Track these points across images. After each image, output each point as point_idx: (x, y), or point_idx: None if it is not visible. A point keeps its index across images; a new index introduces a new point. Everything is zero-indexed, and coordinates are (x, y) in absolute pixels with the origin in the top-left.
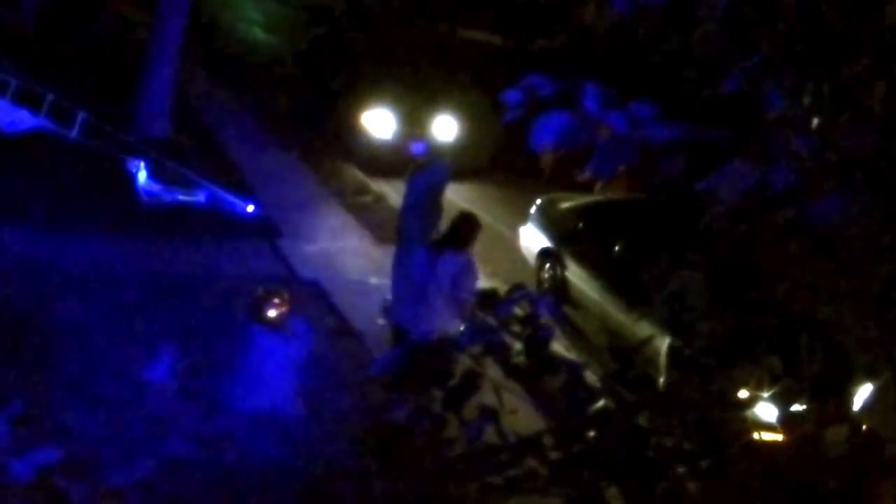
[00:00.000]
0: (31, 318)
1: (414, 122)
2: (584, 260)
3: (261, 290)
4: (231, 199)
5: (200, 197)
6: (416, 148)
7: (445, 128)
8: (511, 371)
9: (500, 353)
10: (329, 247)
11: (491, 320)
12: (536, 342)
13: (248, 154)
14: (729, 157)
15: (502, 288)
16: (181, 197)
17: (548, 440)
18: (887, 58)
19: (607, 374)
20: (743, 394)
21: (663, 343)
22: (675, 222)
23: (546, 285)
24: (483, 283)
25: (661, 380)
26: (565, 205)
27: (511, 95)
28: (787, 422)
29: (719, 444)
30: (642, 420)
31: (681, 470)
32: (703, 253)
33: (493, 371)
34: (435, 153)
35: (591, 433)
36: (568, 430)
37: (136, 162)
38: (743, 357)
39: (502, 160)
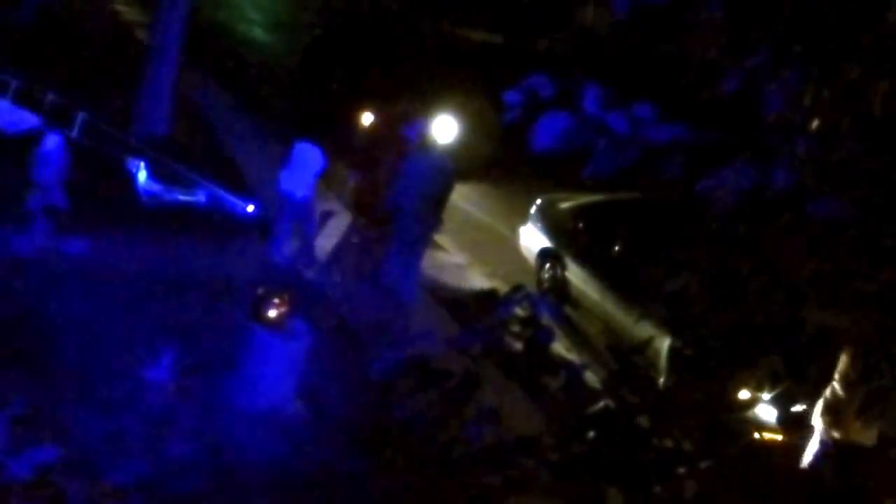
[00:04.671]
0: (31, 318)
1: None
2: (584, 260)
3: (261, 290)
4: (231, 199)
5: (200, 197)
6: (409, 132)
7: (445, 128)
8: (511, 372)
9: (500, 353)
10: (329, 246)
11: (491, 321)
12: (536, 343)
13: (248, 154)
14: (729, 158)
15: (502, 288)
16: (181, 197)
17: (548, 440)
18: (887, 59)
19: (608, 375)
20: (744, 394)
21: (664, 344)
22: (674, 222)
23: (546, 285)
24: (483, 283)
25: (662, 381)
26: (565, 205)
27: (511, 96)
28: (787, 422)
29: (719, 445)
30: (642, 421)
31: (681, 470)
32: (703, 253)
33: (493, 372)
34: (430, 139)
35: (591, 434)
36: (568, 430)
37: (136, 162)
38: (744, 358)
39: (502, 160)
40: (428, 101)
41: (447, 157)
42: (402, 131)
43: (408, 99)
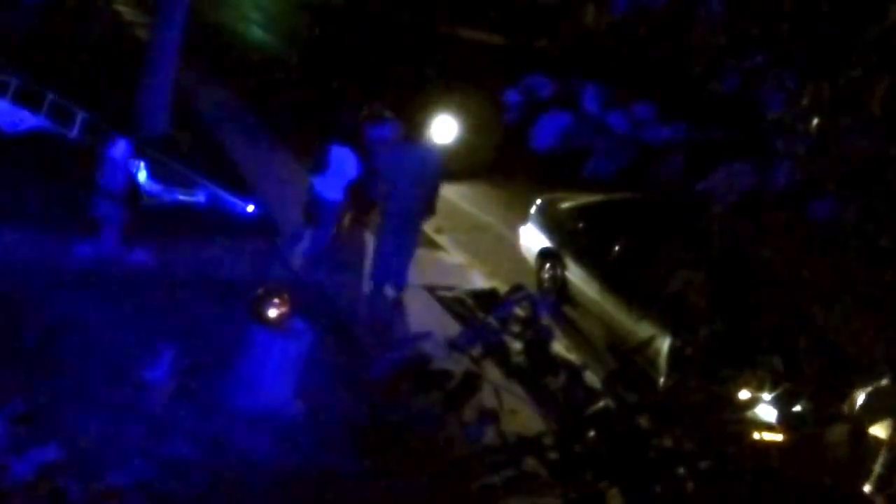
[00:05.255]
0: (31, 318)
1: (414, 122)
2: (584, 260)
3: (261, 290)
4: (231, 199)
5: (200, 197)
6: (379, 133)
7: (445, 128)
8: (511, 372)
9: (500, 353)
10: (329, 246)
11: (491, 321)
12: (537, 343)
13: (248, 154)
14: (729, 158)
15: (502, 288)
16: (181, 197)
17: (548, 440)
18: (886, 59)
19: (608, 375)
20: (744, 394)
21: (664, 343)
22: (675, 222)
23: (546, 285)
24: (483, 283)
25: (662, 380)
26: (565, 205)
27: (511, 96)
28: (787, 422)
29: (719, 445)
30: (642, 421)
31: (681, 470)
32: (704, 253)
33: (493, 372)
34: (421, 134)
35: (591, 433)
36: (568, 430)
37: (136, 162)
38: (744, 358)
39: (502, 160)
40: (424, 100)
41: (437, 150)
42: (369, 132)
43: (382, 99)
